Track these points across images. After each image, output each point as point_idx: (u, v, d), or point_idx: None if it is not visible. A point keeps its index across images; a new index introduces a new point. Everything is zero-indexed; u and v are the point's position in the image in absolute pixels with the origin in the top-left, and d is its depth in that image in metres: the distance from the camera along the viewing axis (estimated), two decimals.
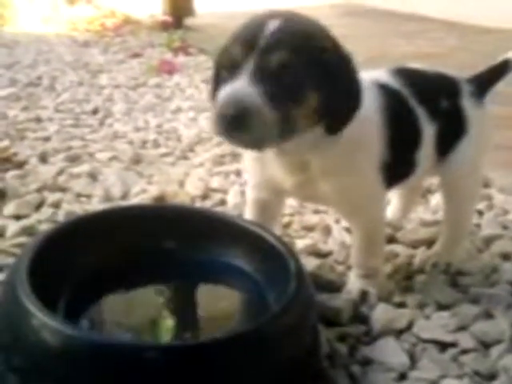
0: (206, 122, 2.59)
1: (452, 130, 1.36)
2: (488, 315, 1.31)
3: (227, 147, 2.23)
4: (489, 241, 1.64)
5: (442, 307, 1.33)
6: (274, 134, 1.01)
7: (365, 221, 1.30)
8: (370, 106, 1.19)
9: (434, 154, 1.36)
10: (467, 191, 1.47)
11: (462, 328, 1.26)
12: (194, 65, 3.81)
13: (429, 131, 1.32)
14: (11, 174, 1.88)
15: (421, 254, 1.54)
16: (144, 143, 2.31)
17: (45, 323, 0.91)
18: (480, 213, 1.78)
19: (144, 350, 0.88)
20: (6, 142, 2.16)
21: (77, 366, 0.88)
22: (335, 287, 1.36)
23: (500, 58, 1.47)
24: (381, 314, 1.27)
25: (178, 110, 2.79)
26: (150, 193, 1.80)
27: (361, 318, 1.27)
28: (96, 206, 1.72)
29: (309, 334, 1.05)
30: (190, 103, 2.89)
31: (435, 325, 1.26)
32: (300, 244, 1.55)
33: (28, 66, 3.39)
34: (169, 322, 1.11)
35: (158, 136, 2.39)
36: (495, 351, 1.19)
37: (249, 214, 1.36)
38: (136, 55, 4.01)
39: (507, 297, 1.37)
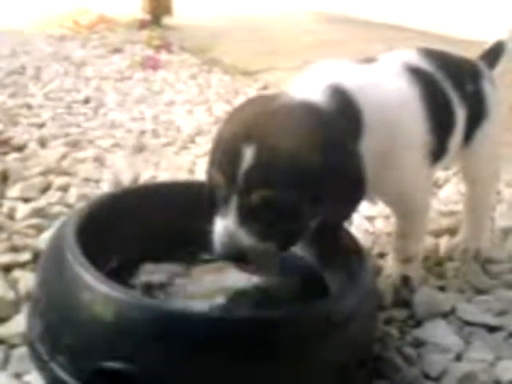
0: (204, 116, 2.54)
1: (477, 114, 1.33)
2: None
3: None
4: (507, 232, 1.63)
5: (480, 292, 1.31)
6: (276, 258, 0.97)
7: (411, 209, 1.26)
8: (406, 93, 1.16)
9: (461, 138, 1.34)
10: (490, 174, 1.47)
11: (504, 312, 1.24)
12: (178, 62, 3.73)
13: (460, 115, 1.29)
14: (11, 157, 1.79)
15: (446, 243, 1.52)
16: (143, 133, 2.23)
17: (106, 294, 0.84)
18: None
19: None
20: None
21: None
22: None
23: (493, 41, 1.48)
24: (423, 298, 1.23)
25: (172, 102, 2.72)
26: (161, 179, 1.73)
27: (402, 302, 1.24)
28: (106, 190, 1.64)
29: (371, 317, 1.01)
30: (184, 97, 2.82)
31: (478, 309, 1.24)
32: None
33: (8, 56, 3.26)
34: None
35: (157, 126, 2.31)
36: None
37: None
38: (117, 51, 3.91)
39: None
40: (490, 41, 1.50)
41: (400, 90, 1.16)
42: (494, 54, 1.47)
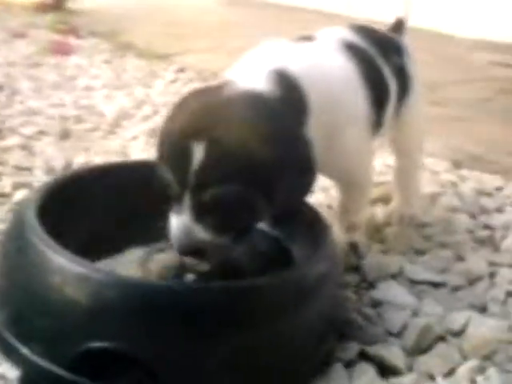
0: (125, 100, 2.50)
1: (403, 87, 1.40)
2: (460, 258, 1.39)
3: (158, 121, 2.17)
4: (433, 197, 1.73)
5: (419, 253, 1.39)
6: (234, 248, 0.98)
7: (356, 182, 1.30)
8: (347, 70, 1.20)
9: (393, 111, 1.40)
10: (418, 144, 1.57)
11: (444, 269, 1.33)
12: (89, 47, 3.62)
13: (392, 88, 1.36)
14: None
15: (381, 210, 1.60)
16: (65, 119, 2.16)
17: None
18: None
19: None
20: None
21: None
22: None
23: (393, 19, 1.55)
24: (371, 262, 1.30)
25: (90, 88, 2.65)
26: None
27: (352, 268, 1.30)
28: (41, 177, 1.58)
29: (338, 281, 1.06)
30: (101, 82, 2.75)
31: (421, 268, 1.32)
32: None
33: None
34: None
35: (79, 112, 2.25)
36: (481, 285, 1.27)
37: None
38: (20, 35, 3.74)
39: (469, 243, 1.47)
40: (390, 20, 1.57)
41: (341, 68, 1.20)
42: (395, 32, 1.52)
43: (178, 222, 0.94)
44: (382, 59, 1.32)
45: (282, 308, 0.88)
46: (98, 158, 1.74)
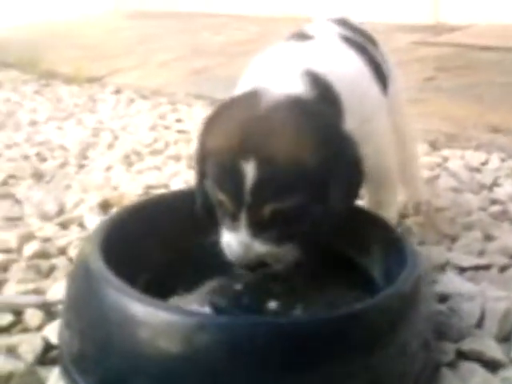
0: (78, 130, 2.36)
1: (386, 73, 1.37)
2: (489, 237, 1.40)
3: (123, 148, 2.08)
4: (430, 181, 1.75)
5: (453, 239, 1.39)
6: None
7: (386, 173, 1.28)
8: (358, 62, 1.18)
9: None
10: (410, 130, 1.53)
11: (482, 252, 1.33)
12: (10, 80, 3.42)
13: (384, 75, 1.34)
14: None
15: None
16: (26, 158, 2.01)
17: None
18: None
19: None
20: None
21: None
22: None
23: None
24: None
25: (35, 122, 2.49)
26: (91, 201, 1.57)
27: None
28: (39, 225, 1.45)
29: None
30: (44, 114, 2.60)
31: (463, 253, 1.31)
32: None
33: None
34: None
35: (38, 149, 2.10)
36: None
37: None
38: None
39: (487, 219, 1.49)
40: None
41: (355, 61, 1.18)
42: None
43: (235, 239, 0.92)
44: (373, 49, 1.31)
45: (389, 329, 0.84)
46: (93, 195, 1.62)
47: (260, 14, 4.97)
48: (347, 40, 1.23)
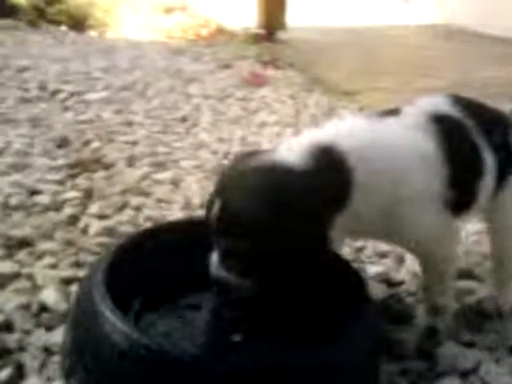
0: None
1: (506, 165, 1.31)
2: None
3: None
4: None
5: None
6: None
7: (431, 260, 1.27)
8: (419, 145, 1.19)
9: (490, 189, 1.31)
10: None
11: None
12: (283, 78, 3.85)
13: (490, 163, 1.28)
14: (99, 175, 1.98)
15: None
16: (226, 154, 2.36)
17: (116, 327, 0.96)
18: None
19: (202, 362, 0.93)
20: (96, 144, 2.27)
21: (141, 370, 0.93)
22: (403, 319, 1.34)
23: None
24: (446, 352, 1.24)
25: (263, 123, 2.84)
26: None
27: (425, 354, 1.25)
28: (176, 212, 1.78)
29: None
30: (276, 117, 2.93)
31: (506, 370, 1.22)
32: (371, 270, 1.54)
33: (124, 71, 3.54)
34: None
35: (242, 148, 2.43)
36: None
37: None
38: (226, 66, 4.10)
39: None
40: None
41: (409, 147, 1.19)
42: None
43: (213, 258, 1.12)
44: (480, 134, 1.26)
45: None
46: None
47: None
48: (438, 121, 1.23)
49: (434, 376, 1.20)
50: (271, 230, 1.04)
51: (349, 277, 1.18)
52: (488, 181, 1.28)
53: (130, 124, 2.60)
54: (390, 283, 1.51)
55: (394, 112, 1.28)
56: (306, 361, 0.97)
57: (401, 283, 1.51)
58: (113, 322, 0.97)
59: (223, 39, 5.22)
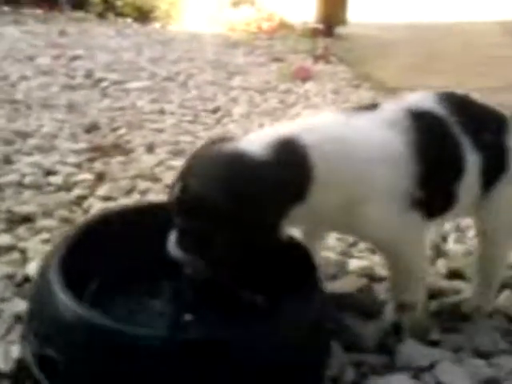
0: None
1: (495, 166, 1.27)
2: None
3: None
4: None
5: (480, 355, 1.25)
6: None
7: (394, 256, 1.26)
8: (386, 143, 1.18)
9: (476, 189, 1.28)
10: (507, 234, 1.37)
11: (493, 381, 1.18)
12: (331, 73, 3.83)
13: (472, 162, 1.24)
14: (116, 160, 2.07)
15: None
16: None
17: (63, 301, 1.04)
18: None
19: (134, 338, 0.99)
20: (123, 130, 2.37)
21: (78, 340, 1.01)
22: (370, 313, 1.34)
23: None
24: (406, 349, 1.23)
25: (297, 117, 2.84)
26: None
27: (386, 350, 1.25)
28: None
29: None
30: (311, 111, 2.93)
31: (464, 371, 1.20)
32: (355, 264, 1.53)
33: (171, 62, 3.64)
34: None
35: None
36: None
37: None
38: (277, 60, 4.13)
39: None
40: None
41: (374, 144, 1.18)
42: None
43: (171, 237, 1.18)
44: (464, 133, 1.24)
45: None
46: None
47: None
48: (415, 117, 1.21)
49: (387, 371, 1.19)
50: (224, 213, 1.07)
51: (300, 262, 1.19)
52: (470, 181, 1.25)
53: (161, 113, 2.68)
54: (372, 278, 1.49)
55: (371, 107, 1.27)
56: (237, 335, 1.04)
57: (382, 279, 1.49)
58: (61, 297, 1.05)
59: (283, 33, 5.24)
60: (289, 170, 1.11)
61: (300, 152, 1.12)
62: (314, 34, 5.03)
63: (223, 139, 1.21)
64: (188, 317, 1.18)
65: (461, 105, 1.29)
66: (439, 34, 5.48)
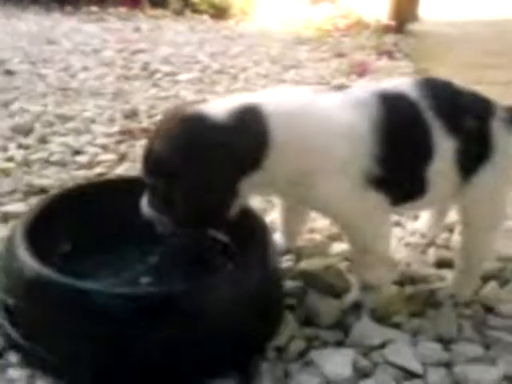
0: None
1: (476, 153, 1.24)
2: (491, 360, 1.18)
3: None
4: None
5: (439, 340, 1.24)
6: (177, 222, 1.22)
7: (349, 233, 1.29)
8: (346, 121, 1.19)
9: (453, 175, 1.27)
10: (489, 223, 1.34)
11: (445, 364, 1.17)
12: (390, 69, 3.77)
13: (444, 150, 1.23)
14: (141, 143, 2.18)
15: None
16: None
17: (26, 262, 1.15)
18: None
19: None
20: (159, 117, 2.48)
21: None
22: (334, 292, 1.35)
23: None
24: (360, 327, 1.24)
25: None
26: None
27: (343, 327, 1.26)
28: None
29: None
30: None
31: (415, 353, 1.19)
32: (339, 247, 1.54)
33: (229, 57, 3.73)
34: None
35: None
36: None
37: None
38: (341, 55, 4.12)
39: None
40: None
41: (333, 122, 1.20)
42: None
43: (143, 201, 1.25)
44: (438, 117, 1.23)
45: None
46: None
47: None
48: (382, 100, 1.22)
49: (332, 346, 1.20)
50: (183, 173, 1.13)
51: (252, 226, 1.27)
52: (444, 167, 1.24)
53: (201, 103, 2.76)
54: (348, 259, 1.49)
55: (341, 87, 1.29)
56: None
57: None
58: (22, 256, 1.16)
59: (357, 30, 5.20)
60: (246, 136, 1.15)
61: (260, 120, 1.16)
62: (385, 30, 4.97)
63: (193, 104, 1.27)
64: (145, 279, 1.26)
65: (439, 90, 1.27)
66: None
